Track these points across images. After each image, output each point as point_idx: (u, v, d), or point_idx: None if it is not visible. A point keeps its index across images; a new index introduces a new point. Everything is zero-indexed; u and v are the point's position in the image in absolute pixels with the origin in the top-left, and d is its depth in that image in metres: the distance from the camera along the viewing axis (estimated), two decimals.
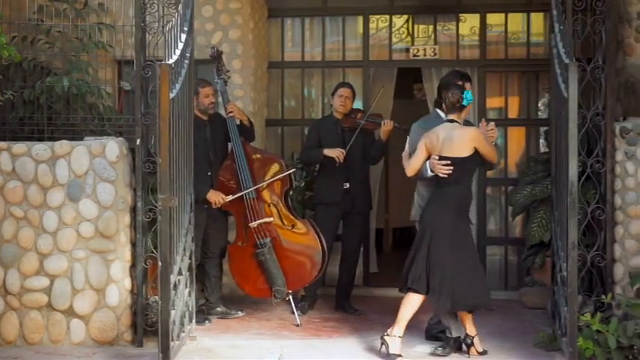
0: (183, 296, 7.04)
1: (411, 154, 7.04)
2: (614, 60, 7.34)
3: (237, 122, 8.10)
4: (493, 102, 9.71)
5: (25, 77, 8.14)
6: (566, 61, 6.64)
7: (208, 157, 8.01)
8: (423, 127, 7.18)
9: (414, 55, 9.71)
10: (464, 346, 6.98)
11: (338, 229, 8.57)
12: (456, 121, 6.89)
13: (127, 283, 7.22)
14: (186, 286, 7.12)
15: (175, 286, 6.77)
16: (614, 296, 7.01)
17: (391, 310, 8.11)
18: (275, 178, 8.07)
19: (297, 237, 8.06)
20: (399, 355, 6.72)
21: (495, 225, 9.57)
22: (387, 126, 8.20)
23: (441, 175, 6.79)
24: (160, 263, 6.48)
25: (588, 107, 7.16)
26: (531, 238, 8.46)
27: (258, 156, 8.17)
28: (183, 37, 6.93)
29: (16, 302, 7.16)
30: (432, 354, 6.99)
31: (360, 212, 8.49)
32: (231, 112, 8.07)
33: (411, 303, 6.81)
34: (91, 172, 7.17)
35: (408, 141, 7.14)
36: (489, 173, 9.12)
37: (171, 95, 6.55)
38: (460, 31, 9.64)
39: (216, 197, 7.89)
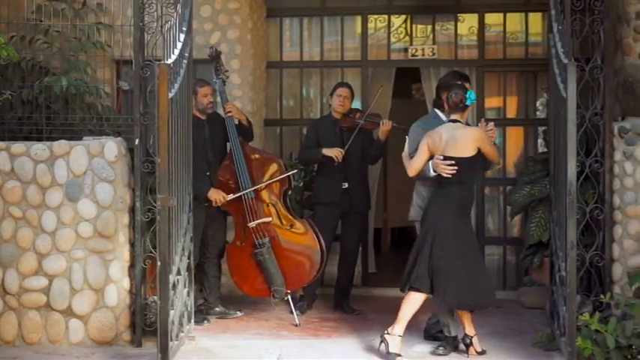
0: (182, 296, 7.04)
1: (411, 155, 7.05)
2: (612, 60, 7.33)
3: (236, 122, 8.10)
4: (491, 102, 9.72)
5: (23, 77, 8.14)
6: (565, 61, 6.63)
7: (207, 156, 8.00)
8: (422, 127, 7.18)
9: (413, 55, 9.72)
10: (462, 346, 6.98)
11: (337, 228, 8.57)
12: (459, 121, 6.89)
13: (126, 283, 7.22)
14: (185, 286, 7.12)
15: (174, 286, 6.77)
16: (613, 296, 7.01)
17: (390, 310, 8.12)
18: (275, 179, 8.06)
19: (296, 237, 8.06)
20: (399, 355, 6.72)
21: (494, 225, 9.58)
22: (385, 126, 8.20)
23: (444, 175, 6.79)
24: (158, 263, 6.47)
25: (587, 107, 7.16)
26: (530, 238, 8.46)
27: (257, 156, 8.16)
28: (182, 36, 6.93)
29: (14, 302, 7.16)
30: (433, 353, 7.00)
31: (359, 212, 8.50)
32: (229, 111, 8.07)
33: (413, 302, 6.81)
34: (90, 172, 7.17)
35: (407, 141, 7.14)
36: (488, 173, 9.12)
37: (170, 95, 6.55)
38: (458, 31, 9.65)
39: (217, 196, 7.89)
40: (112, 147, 7.18)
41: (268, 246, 7.97)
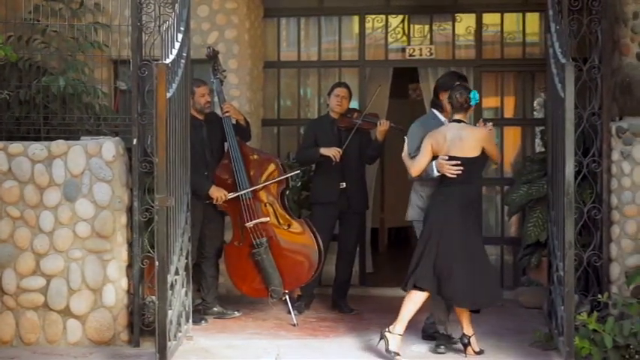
0: (180, 296, 7.03)
1: (411, 155, 7.05)
2: (610, 60, 7.34)
3: (234, 122, 8.10)
4: (489, 102, 9.72)
5: (20, 77, 8.12)
6: (563, 61, 6.64)
7: (205, 156, 8.00)
8: (421, 127, 7.19)
9: (410, 55, 9.72)
10: (459, 345, 6.98)
11: (334, 228, 8.57)
12: (463, 121, 6.89)
13: (124, 283, 7.22)
14: (182, 286, 7.12)
15: (172, 286, 6.77)
16: (611, 295, 7.03)
17: (387, 310, 8.15)
18: (274, 180, 8.06)
19: (294, 237, 8.06)
20: (398, 354, 6.72)
21: (491, 225, 9.58)
22: (383, 126, 8.20)
23: (449, 175, 6.79)
24: (156, 263, 6.47)
25: (584, 107, 7.16)
26: (527, 238, 8.47)
27: (254, 156, 8.16)
28: (180, 36, 6.92)
29: (12, 302, 7.15)
30: (434, 352, 7.03)
31: (357, 212, 8.50)
32: (227, 111, 8.07)
33: (414, 301, 6.81)
34: (88, 171, 7.16)
35: (406, 141, 7.14)
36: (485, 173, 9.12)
37: (168, 95, 6.55)
38: (456, 31, 9.65)
39: (218, 193, 7.89)
40: (109, 147, 7.18)
41: (266, 246, 7.97)
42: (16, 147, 7.19)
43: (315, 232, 8.02)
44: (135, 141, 7.12)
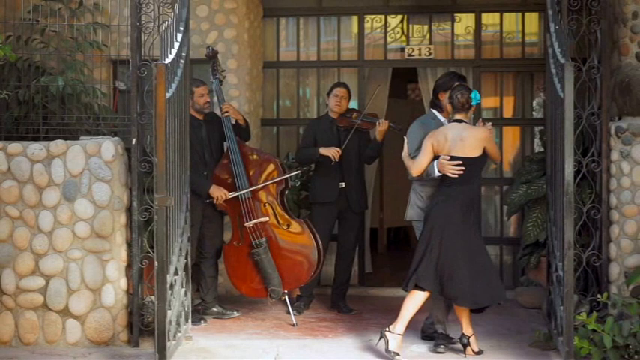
0: (180, 296, 7.03)
1: (411, 155, 7.04)
2: (609, 60, 7.36)
3: (233, 122, 8.10)
4: (488, 102, 9.73)
5: (19, 77, 8.11)
6: (562, 61, 6.64)
7: (204, 156, 8.01)
8: (421, 127, 7.19)
9: (409, 55, 9.73)
10: (459, 345, 7.00)
11: (334, 228, 8.57)
12: (464, 121, 6.89)
13: (123, 283, 7.22)
14: (182, 286, 7.12)
15: (171, 286, 6.77)
16: (610, 295, 7.03)
17: (386, 310, 8.18)
18: (274, 180, 8.06)
19: (293, 237, 8.06)
20: (397, 354, 6.72)
21: (490, 224, 9.58)
22: (382, 126, 8.19)
23: (450, 175, 6.79)
24: (156, 263, 6.47)
25: (583, 107, 7.18)
26: (526, 238, 8.46)
27: (254, 156, 8.16)
28: (179, 36, 6.93)
29: (11, 302, 7.15)
30: (434, 351, 7.04)
31: (356, 212, 8.50)
32: (226, 111, 8.07)
33: (416, 300, 6.80)
34: (87, 171, 7.16)
35: (406, 141, 7.13)
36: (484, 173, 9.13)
37: (168, 95, 6.55)
38: (455, 31, 9.67)
39: (218, 192, 7.89)
40: (109, 147, 7.18)
41: (265, 246, 7.97)
42: (15, 147, 7.19)
43: (315, 232, 8.02)
44: (134, 141, 7.13)
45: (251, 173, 8.06)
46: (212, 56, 8.16)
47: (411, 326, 6.91)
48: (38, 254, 7.15)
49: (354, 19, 9.83)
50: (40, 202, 7.15)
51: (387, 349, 6.75)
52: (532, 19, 9.62)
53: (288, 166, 8.62)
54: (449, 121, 7.22)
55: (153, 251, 6.70)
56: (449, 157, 6.79)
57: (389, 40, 9.77)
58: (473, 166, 6.82)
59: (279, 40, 9.87)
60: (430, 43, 9.71)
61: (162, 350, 6.43)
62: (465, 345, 6.90)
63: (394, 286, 9.28)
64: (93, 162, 7.16)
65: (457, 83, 7.13)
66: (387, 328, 6.79)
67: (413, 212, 7.25)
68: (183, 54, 7.08)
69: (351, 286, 8.85)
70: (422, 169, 6.92)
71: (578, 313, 6.73)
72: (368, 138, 8.49)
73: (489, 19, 9.63)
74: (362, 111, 8.53)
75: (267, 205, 8.04)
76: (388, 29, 9.77)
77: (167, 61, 6.62)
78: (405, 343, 6.97)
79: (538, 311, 8.19)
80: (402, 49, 9.81)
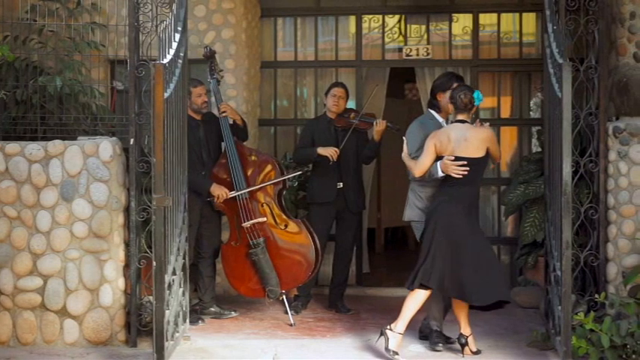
0: (178, 296, 7.03)
1: (411, 155, 7.03)
2: (607, 60, 7.36)
3: (231, 122, 8.10)
4: (486, 102, 9.68)
5: (17, 77, 8.10)
6: (560, 61, 6.65)
7: (202, 156, 8.01)
8: (421, 128, 7.18)
9: (407, 55, 9.73)
10: (457, 345, 7.00)
11: (331, 228, 8.57)
12: (467, 122, 6.89)
13: (121, 283, 7.21)
14: (180, 286, 7.12)
15: (169, 286, 6.76)
16: (608, 295, 7.03)
17: (384, 310, 8.19)
18: (274, 180, 8.06)
19: (291, 237, 8.06)
20: (397, 353, 6.72)
21: (488, 224, 9.57)
22: (379, 126, 8.19)
23: (454, 175, 6.78)
24: (154, 263, 6.47)
25: (581, 107, 7.18)
26: (524, 238, 8.47)
27: (252, 156, 8.16)
28: (177, 36, 6.93)
29: (9, 302, 7.14)
30: (433, 349, 7.06)
31: (354, 212, 8.49)
32: (224, 111, 8.07)
33: (417, 300, 6.80)
34: (85, 171, 7.15)
35: (406, 142, 7.12)
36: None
37: (166, 95, 6.55)
38: (453, 31, 9.67)
39: (219, 191, 7.89)
40: (106, 147, 7.17)
41: (263, 246, 7.96)
42: (13, 147, 7.18)
43: (312, 232, 8.03)
44: (132, 141, 7.13)
45: (249, 173, 8.06)
46: (210, 56, 8.16)
47: (409, 326, 6.90)
48: (36, 254, 7.14)
49: (352, 19, 9.82)
50: (37, 202, 7.14)
51: (386, 348, 6.74)
52: (529, 20, 9.63)
53: (285, 166, 8.62)
54: (447, 122, 7.24)
55: (151, 251, 6.70)
56: (453, 158, 6.78)
57: (386, 40, 9.78)
58: (476, 166, 6.81)
59: (277, 40, 9.87)
60: (428, 43, 9.71)
61: (160, 350, 6.43)
62: (463, 345, 6.90)
63: (392, 286, 9.31)
64: (91, 162, 7.16)
65: (457, 84, 7.12)
66: (388, 327, 6.78)
67: (412, 213, 7.24)
68: (181, 54, 7.08)
69: (349, 286, 8.85)
70: (424, 169, 6.89)
71: (576, 313, 6.73)
72: (366, 138, 8.49)
73: (487, 19, 9.63)
74: (359, 111, 8.52)
75: (264, 205, 8.04)
76: (386, 29, 9.77)
77: (165, 61, 6.62)
78: (404, 343, 6.96)
79: (536, 311, 8.19)
80: (400, 49, 9.81)
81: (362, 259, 9.62)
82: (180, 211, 7.14)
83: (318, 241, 8.00)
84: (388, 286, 9.44)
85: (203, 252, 8.10)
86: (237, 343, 7.31)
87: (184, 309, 7.30)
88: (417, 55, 9.69)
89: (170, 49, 6.77)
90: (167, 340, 6.60)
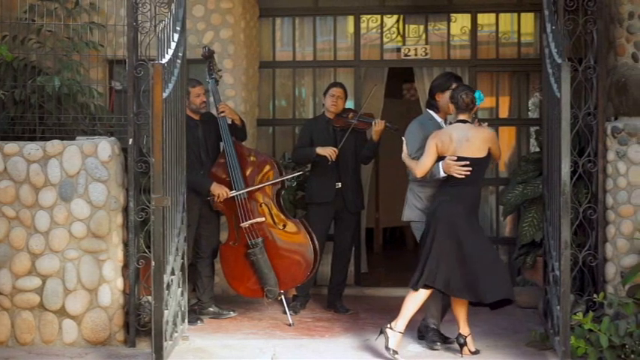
0: (176, 296, 7.03)
1: (411, 155, 7.02)
2: (605, 60, 7.36)
3: (229, 122, 8.10)
4: (484, 102, 9.70)
5: (15, 77, 8.10)
6: (559, 61, 6.65)
7: (200, 156, 8.00)
8: (420, 128, 7.16)
9: (405, 55, 9.73)
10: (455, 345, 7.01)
11: (330, 228, 8.57)
12: (468, 122, 6.88)
13: (120, 283, 7.21)
14: (178, 286, 7.11)
15: (168, 286, 6.76)
16: (606, 295, 7.03)
17: (382, 310, 8.19)
18: (273, 181, 8.06)
19: (289, 237, 8.06)
20: (396, 352, 6.72)
21: (486, 224, 9.57)
22: (378, 126, 8.19)
23: (457, 175, 6.77)
24: (153, 263, 6.47)
25: (580, 107, 7.18)
26: (522, 238, 8.48)
27: (250, 157, 8.16)
28: (176, 36, 6.92)
29: (7, 302, 7.14)
30: (431, 349, 7.07)
31: (352, 212, 8.50)
32: (222, 111, 8.07)
33: (418, 299, 6.80)
34: (83, 171, 7.15)
35: (405, 142, 7.11)
36: None
37: (164, 95, 6.54)
38: (451, 31, 9.67)
39: (220, 190, 7.89)
40: (105, 147, 7.17)
41: (261, 246, 7.96)
42: (11, 147, 7.18)
43: (311, 232, 8.03)
44: (131, 141, 7.12)
45: (247, 173, 8.06)
46: (208, 56, 8.15)
47: (407, 326, 6.90)
48: (34, 254, 7.14)
49: (350, 19, 9.82)
50: (36, 202, 7.14)
51: (386, 347, 6.74)
52: (528, 19, 9.63)
53: (284, 167, 8.61)
54: (445, 122, 7.23)
55: (149, 251, 6.70)
56: (456, 158, 6.77)
57: (385, 40, 9.78)
58: (479, 166, 6.81)
59: (275, 40, 9.86)
60: (426, 43, 9.71)
61: (159, 350, 6.43)
62: (462, 345, 6.90)
63: (390, 286, 9.31)
64: (89, 162, 7.15)
65: (455, 84, 7.12)
66: (388, 325, 6.78)
67: (411, 213, 7.22)
68: (180, 54, 7.08)
69: (347, 286, 8.84)
70: (426, 169, 6.87)
71: (575, 313, 6.74)
72: (364, 138, 8.49)
73: (485, 19, 9.64)
74: (358, 111, 8.53)
75: (263, 205, 8.04)
76: (384, 29, 9.77)
77: (164, 61, 6.61)
78: (402, 343, 6.96)
79: (534, 311, 8.19)
80: (398, 49, 9.81)
81: (360, 259, 9.62)
82: (178, 211, 7.13)
83: (316, 241, 8.00)
84: (387, 286, 9.44)
85: (202, 252, 8.10)
86: (235, 343, 7.31)
87: (183, 309, 7.30)
88: (416, 55, 9.69)
89: (169, 49, 6.76)
90: (166, 340, 6.59)
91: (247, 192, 7.98)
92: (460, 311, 6.89)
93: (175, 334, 7.01)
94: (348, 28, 9.87)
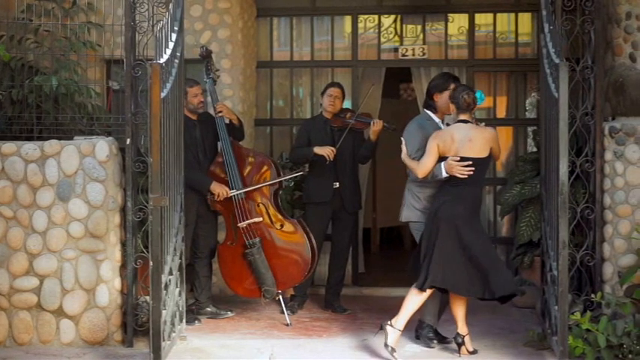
0: (174, 296, 7.02)
1: (411, 156, 7.02)
2: (603, 60, 7.35)
3: (227, 121, 8.09)
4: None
5: (13, 76, 8.09)
6: (557, 61, 6.65)
7: (198, 156, 8.00)
8: (419, 128, 7.15)
9: (403, 55, 9.73)
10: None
11: (327, 228, 8.57)
12: (469, 122, 6.88)
13: (117, 283, 7.21)
14: (176, 286, 7.11)
15: (166, 286, 6.75)
16: (604, 295, 7.03)
17: (380, 310, 8.20)
18: (273, 181, 8.05)
19: (287, 237, 8.05)
20: (394, 350, 6.72)
21: (484, 224, 9.53)
22: (376, 126, 8.18)
23: (460, 176, 6.77)
24: (151, 263, 6.46)
25: (577, 107, 7.19)
26: (520, 238, 8.49)
27: (248, 156, 8.16)
28: (174, 36, 6.91)
29: (5, 302, 7.13)
30: (427, 346, 7.10)
31: (350, 212, 8.50)
32: (220, 111, 8.06)
33: (420, 297, 6.80)
34: (81, 171, 7.15)
35: (404, 142, 7.09)
36: None
37: (163, 95, 6.54)
38: (449, 31, 9.68)
39: (220, 189, 7.88)
40: (103, 147, 7.17)
41: (259, 246, 7.96)
42: (9, 147, 7.17)
43: (309, 231, 8.02)
44: (128, 141, 7.12)
45: (245, 173, 8.06)
46: (206, 56, 8.15)
47: (406, 326, 6.90)
48: (32, 254, 7.13)
49: (348, 19, 9.83)
50: (34, 202, 7.14)
51: (385, 344, 6.74)
52: (525, 20, 9.65)
53: (282, 166, 8.61)
54: (443, 122, 7.23)
55: (147, 251, 6.70)
56: (458, 158, 6.76)
57: (382, 40, 9.78)
58: (481, 166, 6.81)
59: (273, 39, 9.86)
60: (424, 43, 9.71)
61: (157, 350, 6.43)
62: (460, 344, 6.91)
63: (388, 286, 9.31)
64: (87, 162, 7.15)
65: (454, 84, 7.11)
66: (389, 322, 6.78)
67: (410, 213, 7.19)
68: (178, 54, 7.07)
69: (345, 286, 8.84)
70: (427, 170, 6.85)
71: (572, 313, 6.75)
72: (362, 138, 8.49)
73: (483, 19, 9.64)
74: (356, 111, 8.53)
75: (260, 205, 8.04)
76: (382, 29, 9.77)
77: (162, 60, 6.61)
78: (400, 343, 6.96)
79: (532, 311, 8.20)
80: (396, 49, 9.82)
81: (358, 259, 9.62)
82: (176, 210, 7.13)
83: (314, 241, 8.00)
84: (384, 285, 9.44)
85: (199, 252, 8.10)
86: (233, 343, 7.31)
87: (181, 309, 7.29)
88: (413, 55, 9.70)
89: (167, 49, 6.76)
90: (164, 340, 6.58)
91: (245, 193, 7.98)
92: (459, 311, 6.89)
93: (173, 334, 7.00)
94: (345, 28, 9.88)
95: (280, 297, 8.03)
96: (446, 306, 7.12)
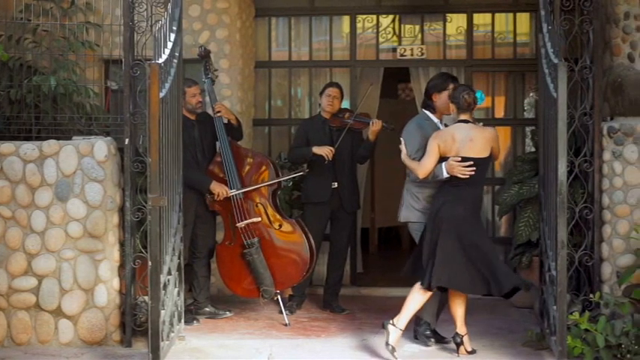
0: (173, 296, 7.02)
1: (411, 156, 7.02)
2: (601, 60, 7.37)
3: (225, 121, 8.09)
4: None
5: (11, 76, 8.09)
6: (555, 61, 6.65)
7: (196, 156, 8.00)
8: (418, 128, 7.13)
9: (401, 55, 9.73)
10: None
11: (326, 228, 8.57)
12: (470, 121, 6.88)
13: (116, 283, 7.20)
14: (175, 286, 7.10)
15: (165, 286, 6.75)
16: (602, 295, 7.04)
17: (378, 310, 8.20)
18: (272, 181, 8.05)
19: (285, 237, 8.05)
20: (394, 349, 6.71)
21: (482, 224, 9.56)
22: (375, 126, 8.18)
23: (461, 176, 6.76)
24: (149, 263, 6.46)
25: (576, 107, 7.19)
26: (518, 238, 8.48)
27: (248, 157, 8.16)
28: (173, 36, 6.91)
29: (3, 302, 7.12)
30: (426, 345, 7.12)
31: (348, 211, 8.50)
32: (218, 111, 8.06)
33: (423, 296, 6.80)
34: (80, 171, 7.14)
35: (404, 143, 7.08)
36: None
37: (161, 95, 6.53)
38: (447, 31, 9.68)
39: (220, 189, 7.88)
40: (101, 146, 7.16)
41: (257, 246, 7.96)
42: (7, 146, 7.17)
43: (307, 231, 8.02)
44: (127, 141, 7.12)
45: (244, 173, 8.06)
46: (204, 56, 8.15)
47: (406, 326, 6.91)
48: (31, 254, 7.13)
49: (346, 19, 9.83)
50: (32, 202, 7.13)
51: (386, 342, 6.74)
52: (524, 20, 9.65)
53: (280, 166, 8.61)
54: (441, 122, 7.23)
55: (146, 251, 6.70)
56: (460, 158, 6.75)
57: (381, 40, 9.78)
58: (482, 166, 6.82)
59: (271, 39, 9.86)
60: (422, 43, 9.72)
61: (155, 350, 6.42)
62: (459, 344, 6.90)
63: (386, 286, 9.31)
64: (85, 162, 7.15)
65: (452, 85, 7.11)
66: (391, 321, 6.77)
67: (409, 214, 7.18)
68: (177, 54, 7.06)
69: (343, 286, 8.84)
70: (428, 170, 6.84)
71: (571, 313, 6.75)
72: (360, 138, 8.49)
73: (481, 19, 9.65)
74: (354, 111, 8.53)
75: (259, 205, 8.04)
76: (380, 29, 9.78)
77: (161, 60, 6.61)
78: (399, 343, 6.96)
79: (530, 311, 8.21)
80: (394, 49, 9.82)
81: (356, 259, 9.62)
82: (175, 210, 7.13)
83: (312, 241, 8.00)
84: (382, 285, 9.44)
85: (198, 252, 8.10)
86: (232, 343, 7.31)
87: (179, 309, 7.29)
88: (412, 55, 9.70)
89: (165, 49, 6.76)
90: (162, 340, 6.59)
91: (243, 192, 7.98)
92: (458, 310, 6.89)
93: (172, 334, 7.00)
94: (343, 28, 9.88)
95: (279, 297, 8.03)
96: (444, 306, 7.13)
